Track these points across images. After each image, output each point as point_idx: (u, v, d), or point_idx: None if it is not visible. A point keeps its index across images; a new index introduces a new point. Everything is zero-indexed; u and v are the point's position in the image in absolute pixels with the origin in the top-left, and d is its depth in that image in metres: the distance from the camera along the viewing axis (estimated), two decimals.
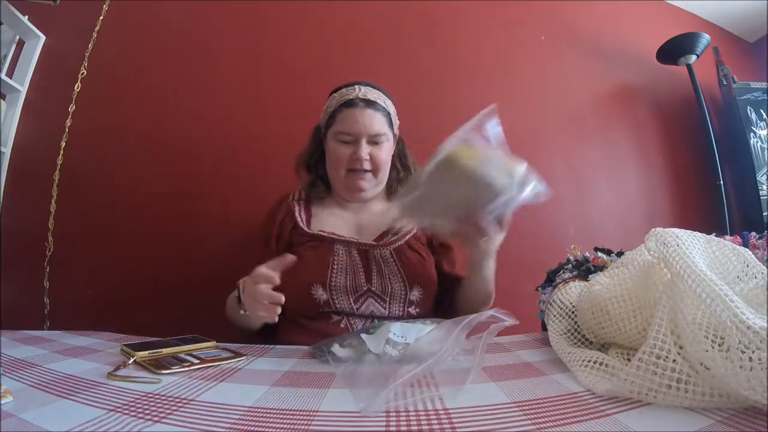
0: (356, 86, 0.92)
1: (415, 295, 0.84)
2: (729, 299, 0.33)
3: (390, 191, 1.00)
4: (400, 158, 1.01)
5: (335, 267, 0.83)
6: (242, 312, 0.68)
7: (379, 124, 0.90)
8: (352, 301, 0.82)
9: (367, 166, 0.90)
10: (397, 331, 0.56)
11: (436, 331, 0.51)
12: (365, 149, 0.89)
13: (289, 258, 0.64)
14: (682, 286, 0.37)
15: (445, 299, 0.93)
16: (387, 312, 0.83)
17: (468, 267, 0.83)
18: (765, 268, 0.41)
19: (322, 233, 0.88)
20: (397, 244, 0.88)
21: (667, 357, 0.35)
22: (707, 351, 0.33)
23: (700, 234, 0.45)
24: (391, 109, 0.96)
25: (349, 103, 0.89)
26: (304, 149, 1.01)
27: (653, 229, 0.46)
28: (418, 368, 0.43)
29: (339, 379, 0.48)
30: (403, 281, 0.84)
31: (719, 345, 0.33)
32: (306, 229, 0.89)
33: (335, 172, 0.92)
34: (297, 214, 0.93)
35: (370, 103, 0.90)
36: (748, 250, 0.43)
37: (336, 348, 0.56)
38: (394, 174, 1.00)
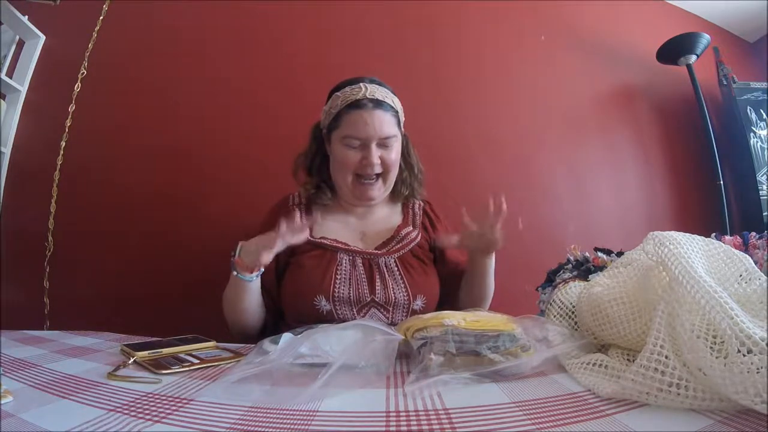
0: (361, 84, 0.84)
1: (418, 304, 0.83)
2: (729, 307, 0.33)
3: (394, 192, 0.95)
4: (404, 156, 0.94)
5: (338, 278, 0.81)
6: (235, 274, 0.74)
7: (389, 125, 0.84)
8: (355, 311, 0.80)
9: (377, 170, 0.85)
10: (308, 346, 0.51)
11: (354, 333, 0.51)
12: (375, 153, 0.83)
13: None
14: (681, 291, 0.37)
15: (447, 295, 0.91)
16: (390, 321, 0.81)
17: (472, 264, 0.87)
18: (762, 273, 0.41)
19: (324, 241, 0.85)
20: (402, 252, 0.86)
21: (666, 363, 0.35)
22: (705, 358, 0.33)
23: (698, 237, 0.45)
24: (399, 106, 0.89)
25: (356, 104, 0.82)
26: (303, 151, 0.96)
27: (651, 233, 0.46)
28: (332, 368, 0.43)
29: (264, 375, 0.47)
30: (406, 291, 0.82)
31: (717, 351, 0.33)
32: (309, 236, 0.86)
33: (342, 177, 0.87)
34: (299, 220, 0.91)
35: (379, 104, 0.83)
36: (747, 255, 0.43)
37: (267, 344, 0.54)
38: (398, 174, 0.92)
